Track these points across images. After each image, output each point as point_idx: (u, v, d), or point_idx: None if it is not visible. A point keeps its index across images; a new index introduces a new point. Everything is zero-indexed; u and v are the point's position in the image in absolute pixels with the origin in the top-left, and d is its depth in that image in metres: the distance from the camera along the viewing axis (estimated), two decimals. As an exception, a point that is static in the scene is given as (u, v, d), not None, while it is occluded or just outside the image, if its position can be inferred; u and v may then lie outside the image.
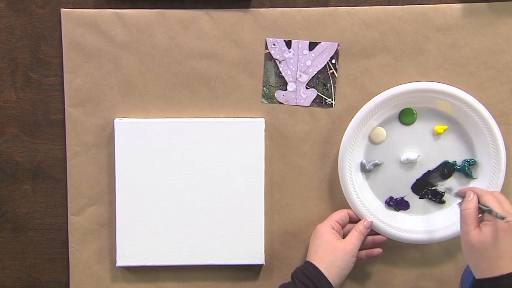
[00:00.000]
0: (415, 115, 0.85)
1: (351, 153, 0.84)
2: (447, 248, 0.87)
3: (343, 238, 0.81)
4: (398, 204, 0.86)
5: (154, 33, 0.84)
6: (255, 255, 0.85)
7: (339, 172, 0.84)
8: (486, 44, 0.84)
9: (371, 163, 0.85)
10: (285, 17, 0.84)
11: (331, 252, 0.78)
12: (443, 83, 0.84)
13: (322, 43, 0.84)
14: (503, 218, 0.67)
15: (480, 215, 0.73)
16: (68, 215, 0.86)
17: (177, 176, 0.84)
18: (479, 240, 0.69)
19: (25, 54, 0.85)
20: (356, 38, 0.84)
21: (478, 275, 0.70)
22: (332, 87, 0.85)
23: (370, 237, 0.84)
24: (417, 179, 0.86)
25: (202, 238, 0.85)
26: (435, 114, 0.85)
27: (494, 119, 0.83)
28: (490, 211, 0.70)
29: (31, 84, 0.85)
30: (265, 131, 0.84)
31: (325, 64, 0.85)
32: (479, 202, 0.73)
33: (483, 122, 0.82)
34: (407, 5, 0.84)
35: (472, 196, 0.74)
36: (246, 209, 0.84)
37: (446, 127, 0.85)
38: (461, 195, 0.80)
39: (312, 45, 0.84)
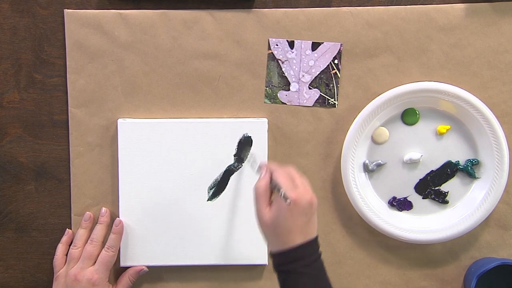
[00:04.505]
0: (418, 115, 0.85)
1: (354, 153, 0.84)
2: (450, 248, 0.87)
3: None
4: (401, 204, 0.86)
5: (157, 34, 0.84)
6: (258, 255, 0.85)
7: (342, 172, 0.84)
8: (489, 44, 0.84)
9: (374, 163, 0.85)
10: (288, 17, 0.84)
11: None
12: (446, 83, 0.84)
13: (325, 43, 0.84)
14: (286, 199, 0.66)
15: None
16: (72, 215, 0.86)
17: (180, 176, 0.84)
18: (270, 218, 0.69)
19: (28, 55, 0.85)
20: (359, 38, 0.84)
21: (272, 248, 0.70)
22: (335, 87, 0.85)
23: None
24: (420, 179, 0.86)
25: (205, 238, 0.85)
26: (438, 114, 0.85)
27: (497, 119, 0.83)
28: (278, 189, 0.69)
29: (35, 84, 0.85)
30: (268, 131, 0.85)
31: (328, 64, 0.85)
32: (271, 179, 0.71)
33: (486, 122, 0.82)
34: (410, 5, 0.84)
35: (264, 173, 0.72)
36: (249, 209, 0.84)
37: (449, 127, 0.85)
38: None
39: (315, 45, 0.84)
